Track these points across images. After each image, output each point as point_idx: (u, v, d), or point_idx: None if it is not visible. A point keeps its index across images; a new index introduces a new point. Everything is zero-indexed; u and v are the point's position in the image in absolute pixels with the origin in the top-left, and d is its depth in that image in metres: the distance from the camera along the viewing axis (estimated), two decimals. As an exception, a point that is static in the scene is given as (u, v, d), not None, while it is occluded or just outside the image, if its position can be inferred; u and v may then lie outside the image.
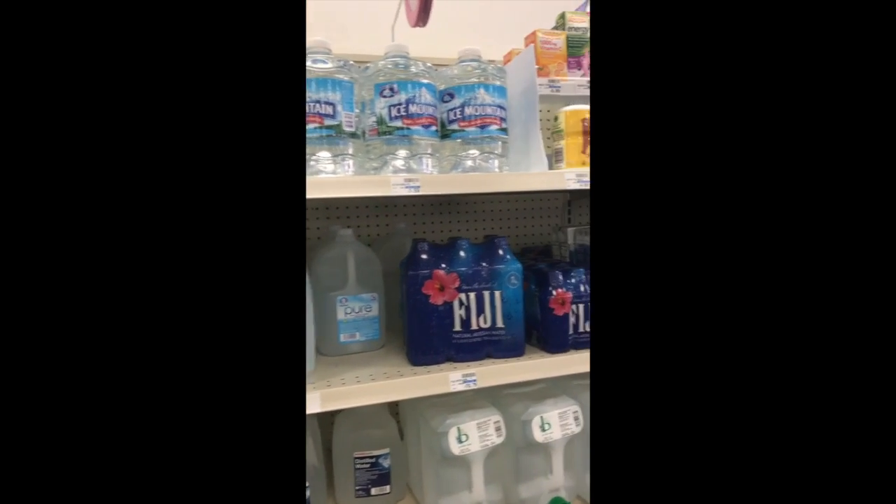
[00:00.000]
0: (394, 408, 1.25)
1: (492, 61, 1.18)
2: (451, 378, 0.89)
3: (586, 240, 1.15)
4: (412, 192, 0.85)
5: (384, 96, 0.88)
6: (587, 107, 0.98)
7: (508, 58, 1.13)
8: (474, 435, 0.95)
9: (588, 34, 1.03)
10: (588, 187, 0.93)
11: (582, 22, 1.03)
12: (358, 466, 1.04)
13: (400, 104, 0.88)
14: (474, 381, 0.91)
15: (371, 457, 1.04)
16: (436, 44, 1.14)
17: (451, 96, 0.94)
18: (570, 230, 1.19)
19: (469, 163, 0.97)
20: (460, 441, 0.93)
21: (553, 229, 1.32)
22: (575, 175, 0.94)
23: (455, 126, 0.94)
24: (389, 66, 0.89)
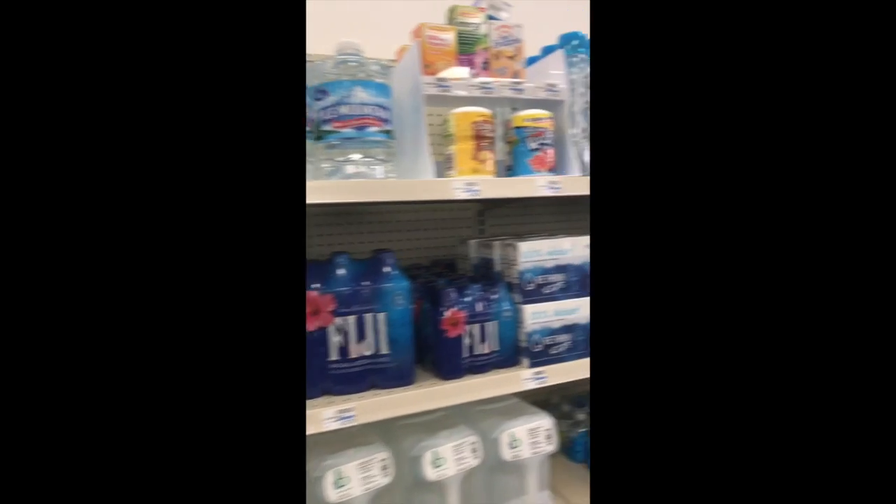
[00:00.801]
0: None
1: (393, 61, 1.08)
2: (323, 416, 0.78)
3: (489, 252, 1.07)
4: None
5: (239, 91, 0.76)
6: (478, 109, 0.90)
7: (401, 55, 1.04)
8: (356, 477, 0.83)
9: (479, 30, 0.95)
10: (478, 197, 0.85)
11: (474, 17, 0.95)
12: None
13: (258, 101, 0.76)
14: (352, 416, 0.80)
15: (243, 506, 0.90)
16: (329, 39, 1.03)
17: (325, 94, 0.83)
18: (472, 242, 1.11)
19: (350, 169, 0.86)
20: (338, 486, 0.82)
21: (458, 241, 1.23)
22: (464, 184, 0.85)
23: (329, 127, 0.83)
24: (247, 57, 0.77)
